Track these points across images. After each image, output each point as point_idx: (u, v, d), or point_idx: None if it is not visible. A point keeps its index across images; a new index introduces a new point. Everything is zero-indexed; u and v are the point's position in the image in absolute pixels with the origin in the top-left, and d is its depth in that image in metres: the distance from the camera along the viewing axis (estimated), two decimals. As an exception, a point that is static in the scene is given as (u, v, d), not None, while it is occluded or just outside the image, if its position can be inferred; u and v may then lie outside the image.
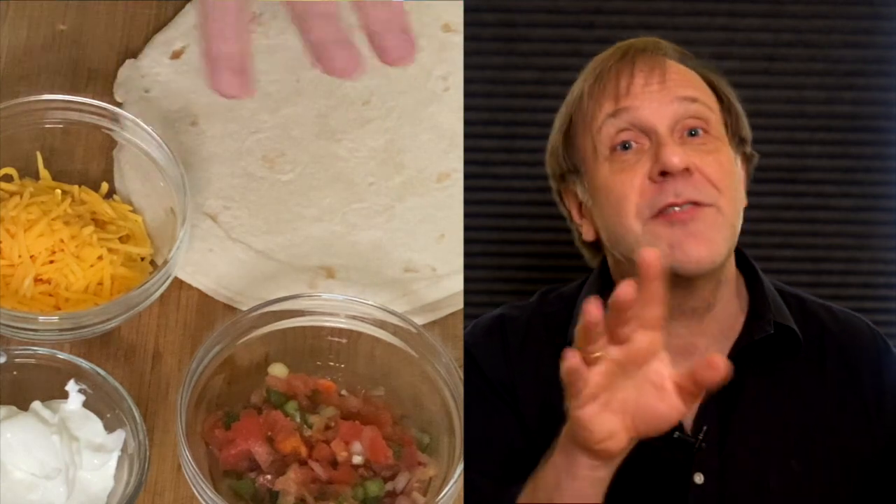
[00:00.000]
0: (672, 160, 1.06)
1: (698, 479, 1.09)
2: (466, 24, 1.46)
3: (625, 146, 1.09)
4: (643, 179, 1.08)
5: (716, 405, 1.11)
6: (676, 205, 1.07)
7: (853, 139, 1.64)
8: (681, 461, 1.10)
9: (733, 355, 1.11)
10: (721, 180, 1.09)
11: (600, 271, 1.17)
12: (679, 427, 1.10)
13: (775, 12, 1.62)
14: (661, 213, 1.07)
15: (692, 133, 1.10)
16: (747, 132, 1.15)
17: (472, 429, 1.15)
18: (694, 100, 1.10)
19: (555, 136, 1.17)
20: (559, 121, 1.17)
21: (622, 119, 1.09)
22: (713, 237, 1.08)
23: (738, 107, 1.14)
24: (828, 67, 1.63)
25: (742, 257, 1.16)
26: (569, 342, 1.12)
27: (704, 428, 1.10)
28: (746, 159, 1.16)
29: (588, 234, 1.16)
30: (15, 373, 1.17)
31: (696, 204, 1.07)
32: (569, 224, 1.20)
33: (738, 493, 1.10)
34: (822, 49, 1.63)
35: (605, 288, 1.15)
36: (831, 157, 1.64)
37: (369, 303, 1.24)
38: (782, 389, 1.12)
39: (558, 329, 1.16)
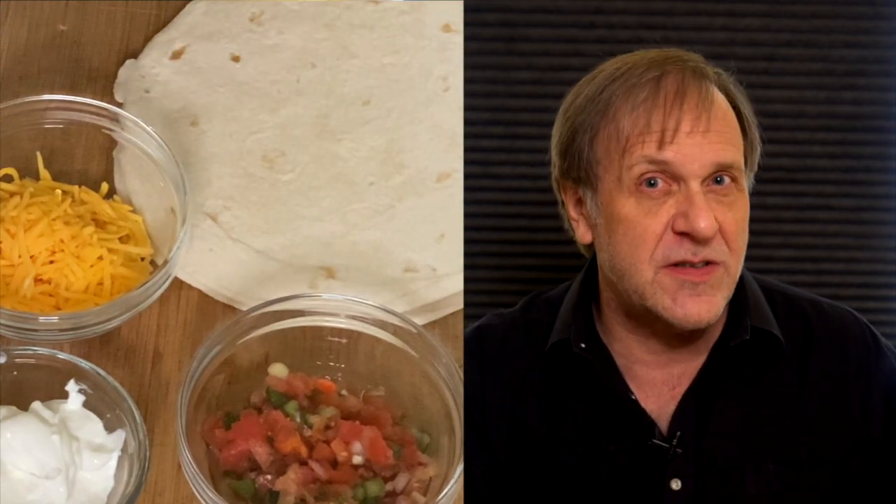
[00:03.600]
0: (700, 226, 1.05)
1: (675, 484, 1.09)
2: (466, 24, 1.46)
3: (650, 183, 1.07)
4: (665, 227, 1.06)
5: (693, 411, 1.10)
6: (691, 262, 1.07)
7: (853, 139, 1.63)
8: (657, 467, 1.09)
9: (709, 361, 1.11)
10: (735, 240, 1.08)
11: (585, 276, 1.16)
12: (654, 433, 1.09)
13: (775, 12, 1.62)
14: (675, 265, 1.07)
15: (717, 181, 1.08)
16: (757, 161, 1.14)
17: None
18: (730, 166, 1.08)
19: (569, 133, 1.11)
20: (578, 117, 1.10)
21: (658, 166, 1.06)
22: (715, 296, 1.07)
23: (757, 136, 1.12)
24: (828, 67, 1.62)
25: None
26: (546, 350, 1.12)
27: (678, 434, 1.09)
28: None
29: (584, 237, 1.13)
30: (15, 373, 1.18)
31: (708, 263, 1.07)
32: (560, 210, 1.17)
33: (715, 497, 1.09)
34: (822, 49, 1.62)
35: (585, 297, 1.14)
36: (831, 157, 1.63)
37: (369, 303, 1.24)
38: (761, 393, 1.11)
39: (539, 335, 1.15)
